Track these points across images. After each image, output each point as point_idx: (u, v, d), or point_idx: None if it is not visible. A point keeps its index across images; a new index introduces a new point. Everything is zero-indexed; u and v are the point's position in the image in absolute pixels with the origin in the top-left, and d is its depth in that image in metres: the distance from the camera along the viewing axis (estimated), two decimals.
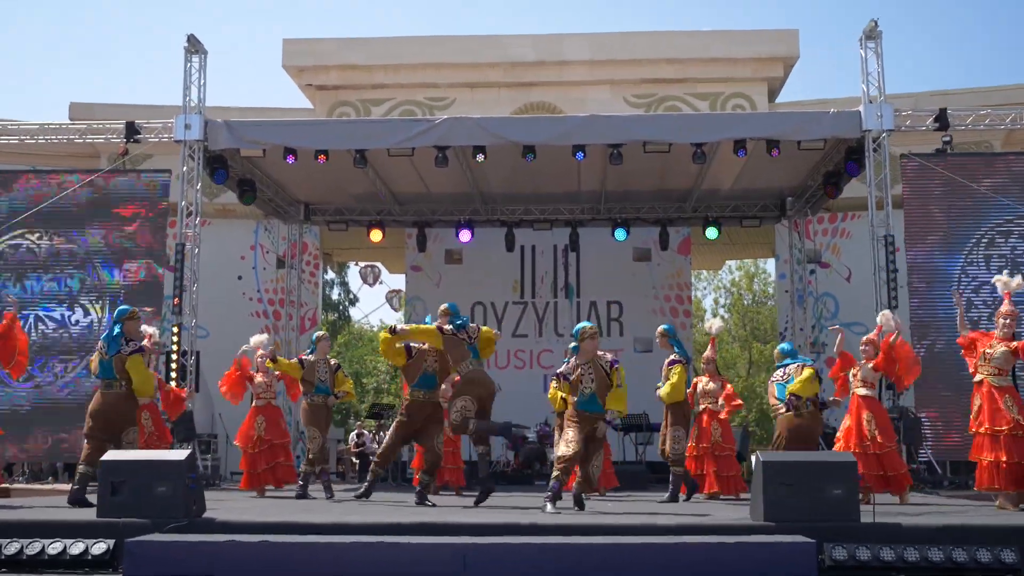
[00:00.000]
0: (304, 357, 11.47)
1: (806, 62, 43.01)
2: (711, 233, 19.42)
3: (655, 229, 19.94)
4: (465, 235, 19.51)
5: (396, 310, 26.71)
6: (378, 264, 25.95)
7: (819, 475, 6.33)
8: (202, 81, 15.23)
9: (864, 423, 10.35)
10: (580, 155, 14.91)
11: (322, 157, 15.09)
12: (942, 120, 14.54)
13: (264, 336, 12.94)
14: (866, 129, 14.53)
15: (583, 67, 20.86)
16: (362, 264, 26.49)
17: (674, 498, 10.97)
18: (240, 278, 20.78)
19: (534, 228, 19.83)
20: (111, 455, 6.68)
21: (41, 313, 15.41)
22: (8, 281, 15.38)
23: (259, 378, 12.23)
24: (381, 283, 26.06)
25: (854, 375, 10.76)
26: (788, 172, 17.60)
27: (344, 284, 41.12)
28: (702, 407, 11.80)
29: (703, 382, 11.92)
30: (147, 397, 9.94)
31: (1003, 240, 14.39)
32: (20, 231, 15.56)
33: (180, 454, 6.49)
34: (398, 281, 25.20)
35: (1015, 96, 18.14)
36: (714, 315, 36.34)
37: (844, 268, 20.33)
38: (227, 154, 15.75)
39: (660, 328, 11.68)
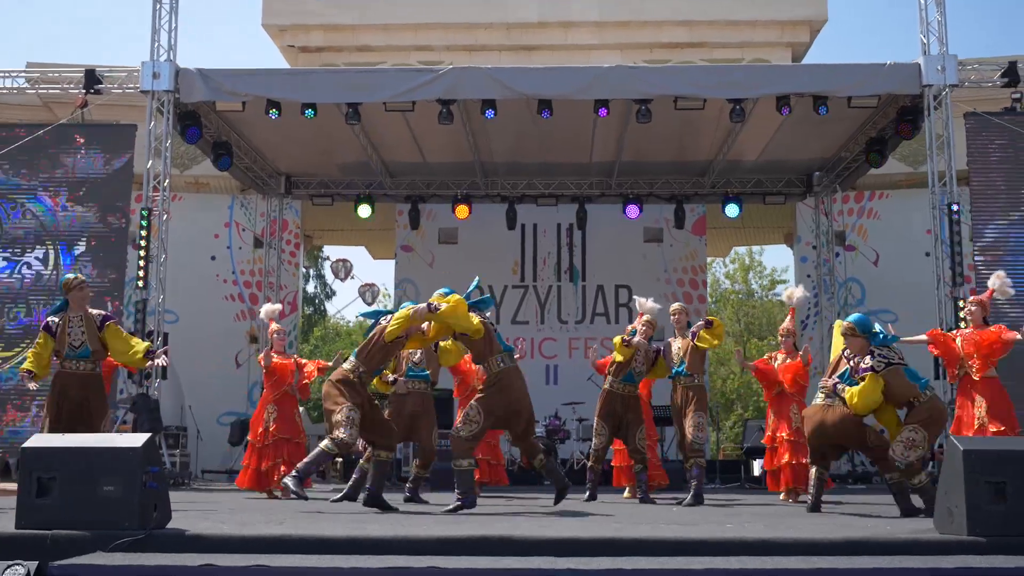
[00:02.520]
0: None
1: (834, 25, 40.68)
2: (731, 211, 17.73)
3: (669, 207, 18.24)
4: (463, 211, 17.73)
5: (369, 304, 25.02)
6: (350, 260, 24.26)
7: None
8: (173, 24, 13.34)
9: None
10: (603, 111, 13.16)
11: (310, 111, 13.24)
12: (1012, 74, 12.88)
13: (277, 305, 11.31)
14: (926, 84, 12.85)
15: (590, 29, 19.14)
16: (334, 258, 24.77)
17: (699, 498, 9.22)
18: (213, 258, 18.85)
19: (538, 204, 18.10)
20: (36, 440, 4.84)
21: None
22: None
23: (277, 359, 10.42)
24: (353, 277, 24.27)
25: None
26: (823, 140, 15.96)
27: (320, 277, 39.64)
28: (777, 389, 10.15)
29: (779, 359, 10.21)
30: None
31: None
32: None
33: (134, 439, 4.67)
34: (386, 265, 23.40)
35: None
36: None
37: (871, 251, 18.68)
38: (201, 110, 13.91)
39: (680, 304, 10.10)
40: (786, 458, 9.94)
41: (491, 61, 18.76)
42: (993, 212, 12.93)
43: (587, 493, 9.83)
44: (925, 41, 13.05)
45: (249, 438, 10.55)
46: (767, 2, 18.78)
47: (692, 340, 9.49)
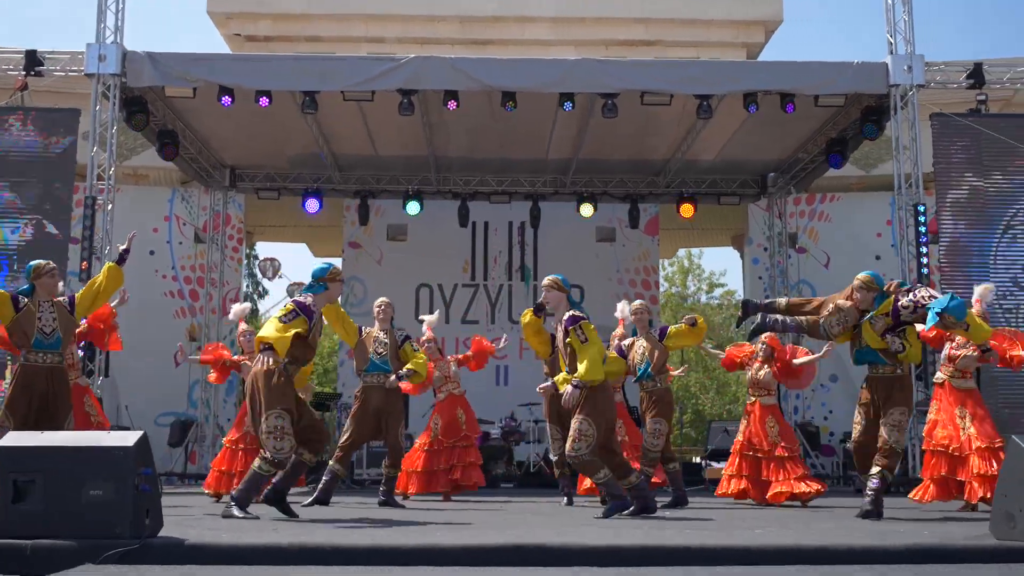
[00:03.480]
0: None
1: (789, 26, 41.07)
2: (686, 211, 17.57)
3: (623, 206, 18.02)
4: (413, 207, 17.32)
5: (270, 279, 24.41)
6: (277, 258, 23.64)
7: None
8: (120, 5, 12.71)
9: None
10: (568, 105, 12.85)
11: (264, 100, 12.71)
12: (977, 76, 12.84)
13: (247, 305, 10.84)
14: (893, 84, 12.75)
15: (546, 25, 18.84)
16: (262, 257, 24.11)
17: (680, 501, 9.00)
18: (152, 253, 18.12)
19: (491, 201, 17.71)
20: (11, 438, 4.33)
21: None
22: None
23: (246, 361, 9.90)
24: (281, 276, 23.70)
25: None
26: (781, 142, 15.85)
27: (252, 275, 38.91)
28: (753, 399, 9.86)
29: (754, 369, 9.96)
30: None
31: None
32: None
33: (126, 437, 4.19)
34: (335, 262, 22.82)
35: None
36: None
37: (822, 254, 18.67)
38: (148, 96, 13.28)
39: (642, 303, 9.64)
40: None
41: (445, 54, 18.36)
42: (958, 214, 12.85)
43: (564, 499, 9.52)
44: (892, 41, 12.97)
45: (225, 441, 10.04)
46: (723, 2, 18.66)
47: (660, 340, 9.17)
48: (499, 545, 3.91)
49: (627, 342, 9.43)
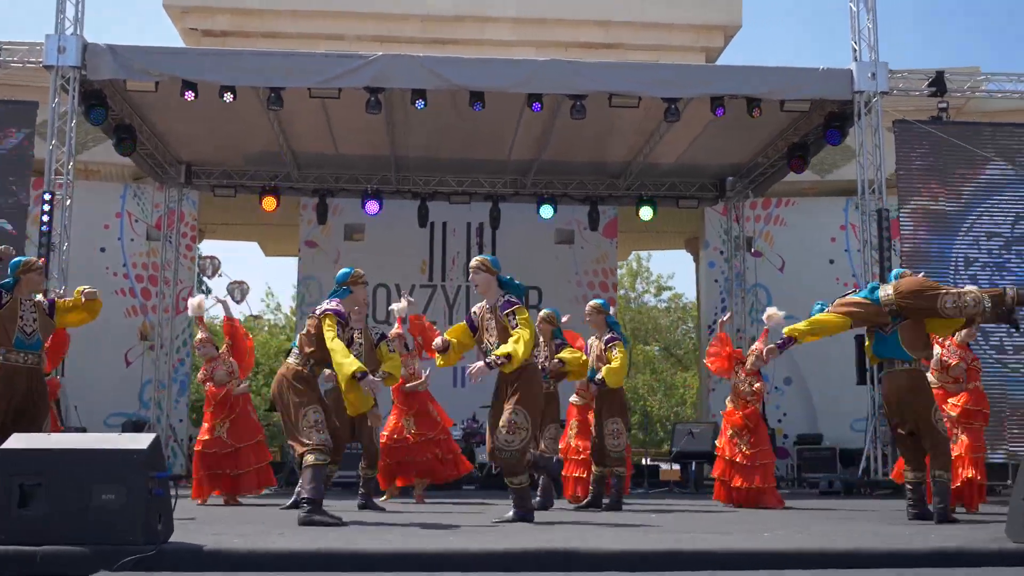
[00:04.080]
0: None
1: (748, 31, 41.66)
2: (645, 213, 17.65)
3: (582, 208, 18.02)
4: (372, 207, 17.16)
5: (238, 302, 24.08)
6: (218, 256, 23.28)
7: None
8: None
9: None
10: (537, 106, 12.81)
11: (228, 96, 12.49)
12: (939, 84, 13.03)
13: (201, 298, 10.63)
14: (857, 90, 12.90)
15: (507, 25, 18.76)
16: (201, 254, 23.74)
17: (619, 505, 8.99)
18: (103, 250, 17.77)
19: (451, 202, 17.60)
20: (15, 440, 4.15)
21: None
22: None
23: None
24: (220, 275, 23.37)
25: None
26: (741, 146, 15.96)
27: (197, 275, 38.24)
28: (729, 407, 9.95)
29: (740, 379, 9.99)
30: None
31: (1002, 218, 12.95)
32: None
33: (139, 439, 4.04)
34: (279, 262, 22.53)
35: None
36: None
37: (777, 258, 18.85)
38: (108, 90, 12.99)
39: (595, 303, 9.51)
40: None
41: (405, 53, 18.22)
42: (919, 219, 13.02)
43: (536, 499, 9.42)
44: (856, 48, 13.12)
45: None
46: (683, 6, 18.73)
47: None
48: (532, 550, 3.83)
49: (589, 342, 9.39)
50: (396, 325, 10.59)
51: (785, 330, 7.72)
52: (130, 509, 3.86)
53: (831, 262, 18.79)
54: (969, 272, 12.87)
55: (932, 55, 62.06)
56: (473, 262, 7.50)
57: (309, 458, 6.27)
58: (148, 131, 15.02)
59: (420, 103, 12.72)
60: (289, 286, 48.28)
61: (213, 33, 18.01)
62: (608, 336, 8.90)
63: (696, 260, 22.18)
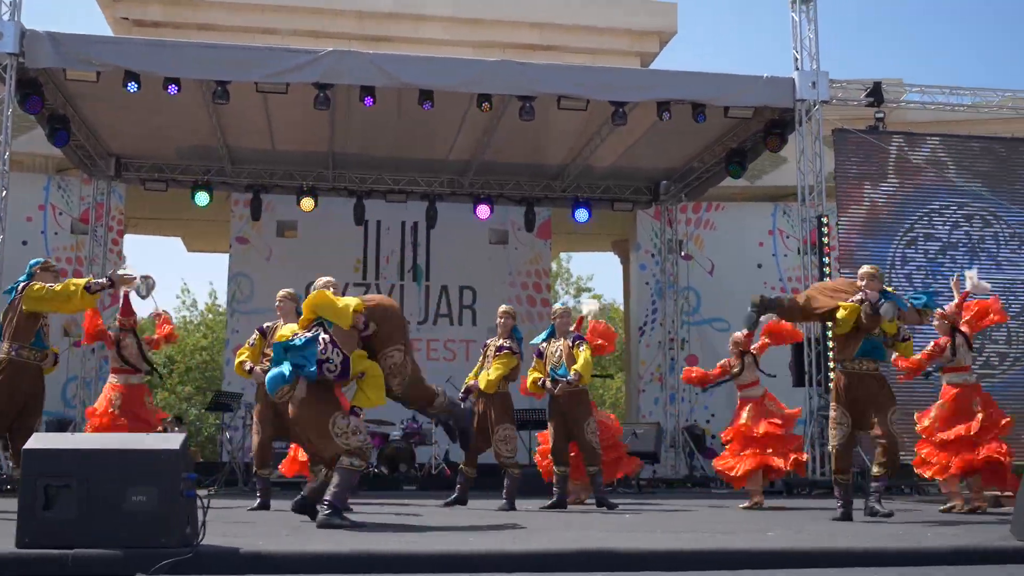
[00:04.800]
0: None
1: (683, 37, 42.21)
2: (581, 215, 17.79)
3: (516, 208, 18.09)
4: (308, 203, 16.96)
5: (143, 297, 23.68)
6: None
7: None
8: None
9: None
10: (486, 106, 12.80)
11: (173, 88, 12.23)
12: (876, 94, 13.39)
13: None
14: (799, 99, 13.19)
15: (442, 24, 18.72)
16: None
17: (511, 505, 9.02)
18: (25, 243, 17.17)
19: (387, 200, 17.50)
20: (40, 440, 4.01)
21: None
22: None
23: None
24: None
25: None
26: (679, 150, 16.20)
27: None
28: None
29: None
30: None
31: (941, 223, 13.36)
32: None
33: (169, 440, 3.93)
34: (201, 258, 22.09)
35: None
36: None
37: (707, 261, 19.14)
38: (43, 78, 12.59)
39: (563, 307, 9.72)
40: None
41: (341, 48, 18.05)
42: (856, 225, 13.35)
43: (452, 496, 9.34)
44: (798, 57, 13.40)
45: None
46: (619, 11, 18.92)
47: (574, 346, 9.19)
48: (573, 551, 3.84)
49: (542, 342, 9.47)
50: None
51: None
52: (163, 511, 3.76)
53: (759, 266, 19.15)
54: (904, 271, 13.24)
55: (858, 66, 64.04)
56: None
57: (346, 460, 6.18)
58: (80, 122, 14.61)
59: (369, 100, 12.60)
60: (207, 283, 47.51)
61: (144, 23, 17.59)
62: (575, 336, 9.05)
63: (625, 262, 22.41)
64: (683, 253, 18.71)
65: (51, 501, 3.77)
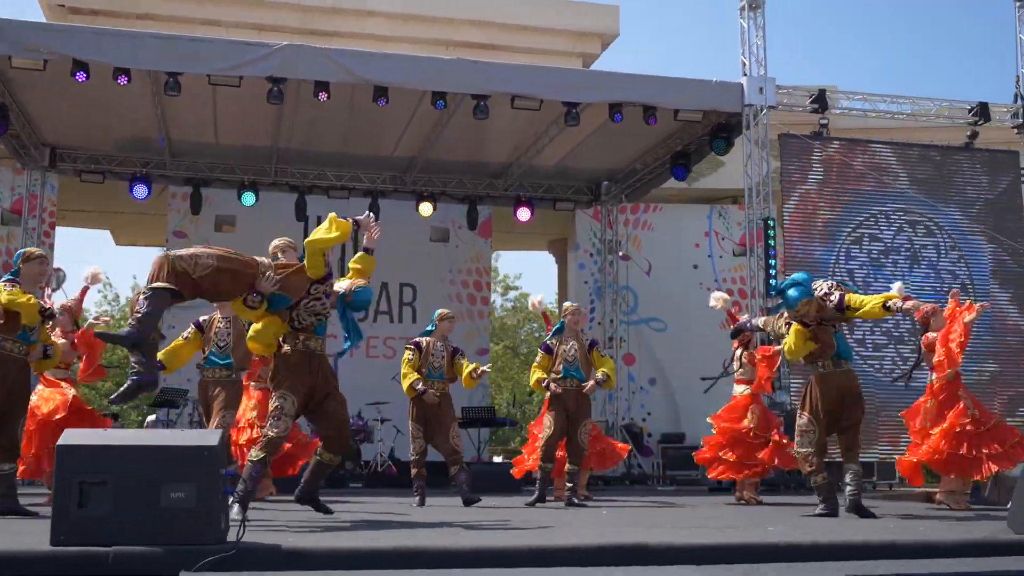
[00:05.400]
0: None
1: (624, 40, 42.62)
2: (523, 214, 17.88)
3: (457, 206, 18.11)
4: (249, 198, 16.76)
5: (54, 290, 23.19)
6: (63, 269, 22.24)
7: None
8: None
9: None
10: (441, 104, 12.81)
11: (123, 79, 11.98)
12: (821, 101, 13.71)
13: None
14: (747, 103, 13.45)
15: (385, 20, 18.62)
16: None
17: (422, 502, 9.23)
18: None
19: (329, 196, 17.35)
20: (74, 436, 3.92)
21: None
22: None
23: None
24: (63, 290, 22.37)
25: None
26: (622, 152, 16.38)
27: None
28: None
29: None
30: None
31: (877, 231, 13.73)
32: None
33: (207, 436, 3.89)
34: (131, 252, 21.65)
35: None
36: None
37: (644, 262, 19.39)
38: None
39: (576, 304, 9.95)
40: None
41: (282, 43, 17.86)
42: (799, 230, 13.65)
43: (417, 499, 9.35)
44: (746, 62, 13.66)
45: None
46: (561, 12, 19.05)
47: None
48: (615, 544, 3.89)
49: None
50: None
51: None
52: (201, 508, 3.72)
53: (695, 267, 19.47)
54: (847, 267, 13.57)
55: (797, 74, 65.59)
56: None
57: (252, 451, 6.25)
58: (18, 110, 14.23)
59: (324, 95, 12.50)
60: (131, 277, 46.30)
61: (81, 11, 17.17)
62: (590, 340, 9.38)
63: (561, 262, 22.56)
64: (621, 253, 18.90)
65: (86, 498, 3.70)
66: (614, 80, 13.18)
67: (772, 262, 13.29)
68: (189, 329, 8.85)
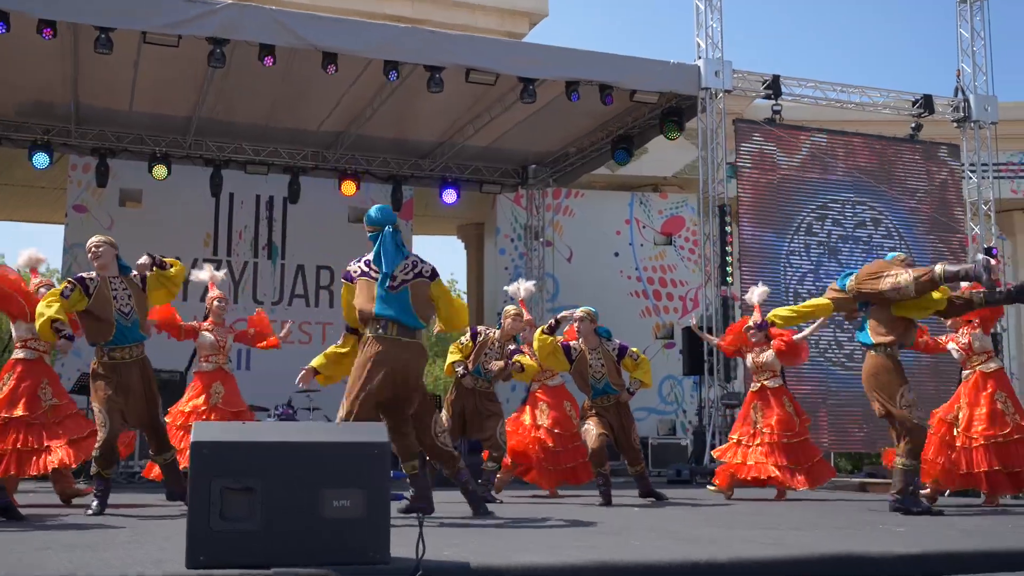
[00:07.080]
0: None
1: (553, 20, 41.84)
2: (449, 196, 17.24)
3: (384, 187, 17.32)
4: (160, 171, 15.64)
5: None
6: None
7: None
8: None
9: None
10: (394, 75, 12.04)
11: (48, 32, 10.85)
12: (775, 87, 13.51)
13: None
14: (704, 87, 13.15)
15: None
16: None
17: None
18: None
19: (247, 171, 16.34)
20: (210, 430, 3.16)
21: None
22: None
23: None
24: None
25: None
26: (558, 133, 15.90)
27: None
28: (758, 384, 9.60)
29: (755, 353, 9.68)
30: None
31: (833, 217, 13.68)
32: None
33: (373, 430, 3.19)
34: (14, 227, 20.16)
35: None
36: None
37: (566, 248, 19.09)
38: None
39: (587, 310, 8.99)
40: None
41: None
42: (754, 217, 13.44)
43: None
44: (702, 45, 13.35)
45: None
46: None
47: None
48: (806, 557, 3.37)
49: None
50: (211, 289, 9.86)
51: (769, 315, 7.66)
52: (371, 519, 3.02)
53: (616, 255, 19.25)
54: (798, 261, 13.45)
55: (770, 58, 66.60)
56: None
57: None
58: None
59: (269, 60, 11.59)
60: (13, 253, 43.18)
61: None
62: (614, 345, 8.48)
63: (475, 248, 21.97)
64: (542, 239, 18.50)
65: (228, 507, 2.97)
66: (573, 57, 12.65)
67: (727, 248, 13.02)
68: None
